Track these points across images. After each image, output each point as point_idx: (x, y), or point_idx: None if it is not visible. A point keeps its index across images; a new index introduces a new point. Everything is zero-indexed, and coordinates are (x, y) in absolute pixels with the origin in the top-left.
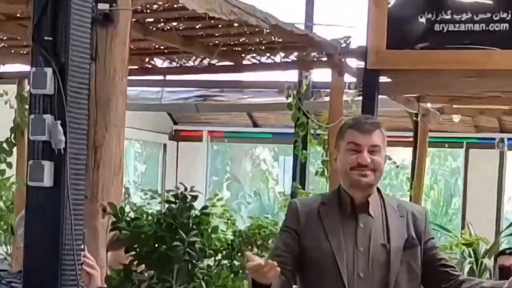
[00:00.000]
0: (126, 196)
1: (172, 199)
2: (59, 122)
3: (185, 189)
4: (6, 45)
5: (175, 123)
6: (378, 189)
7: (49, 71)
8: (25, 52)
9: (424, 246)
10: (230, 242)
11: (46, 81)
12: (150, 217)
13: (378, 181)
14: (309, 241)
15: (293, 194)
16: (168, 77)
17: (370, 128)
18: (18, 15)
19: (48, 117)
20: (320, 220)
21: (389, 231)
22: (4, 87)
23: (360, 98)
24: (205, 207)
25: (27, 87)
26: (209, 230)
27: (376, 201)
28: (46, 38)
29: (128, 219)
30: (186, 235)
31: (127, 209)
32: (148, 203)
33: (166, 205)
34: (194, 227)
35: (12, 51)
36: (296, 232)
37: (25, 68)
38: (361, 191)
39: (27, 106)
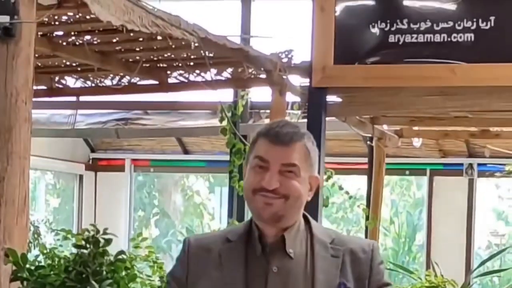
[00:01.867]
0: (36, 236)
1: (83, 243)
2: None
3: (97, 231)
4: None
5: (92, 150)
6: (306, 219)
7: None
8: None
9: None
10: None
11: None
12: (62, 262)
13: (296, 211)
14: None
15: None
16: (82, 98)
17: (285, 138)
18: None
19: None
20: (220, 265)
21: (314, 277)
22: None
23: (305, 120)
24: (120, 252)
25: None
26: (126, 279)
27: (298, 236)
28: None
29: (32, 267)
30: (99, 285)
31: (36, 252)
32: (61, 245)
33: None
34: (109, 275)
35: None
36: (183, 285)
37: None
38: (270, 225)
39: None
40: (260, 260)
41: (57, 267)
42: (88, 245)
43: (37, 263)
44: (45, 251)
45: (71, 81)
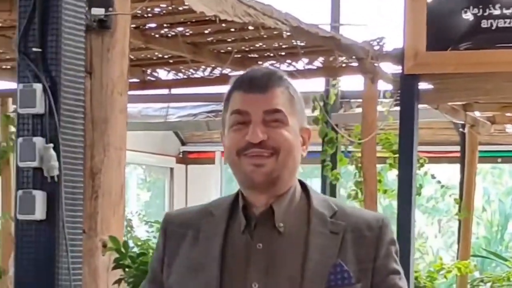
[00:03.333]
0: (129, 229)
1: None
2: (51, 145)
3: None
4: None
5: (183, 143)
6: (304, 187)
7: (38, 87)
8: (9, 67)
9: (374, 286)
10: None
11: (36, 99)
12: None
13: (291, 170)
14: (175, 280)
15: None
16: (174, 91)
17: (262, 82)
18: (0, 24)
19: (38, 140)
20: (196, 242)
21: (306, 256)
22: None
23: (397, 108)
24: None
25: (11, 107)
26: None
27: (291, 207)
28: (34, 49)
29: (133, 254)
30: None
31: (130, 244)
32: (154, 237)
33: None
34: None
35: (3, 66)
36: (162, 267)
37: (10, 85)
38: (260, 191)
39: (13, 129)
40: (243, 236)
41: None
42: None
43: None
44: (139, 243)
45: (163, 74)
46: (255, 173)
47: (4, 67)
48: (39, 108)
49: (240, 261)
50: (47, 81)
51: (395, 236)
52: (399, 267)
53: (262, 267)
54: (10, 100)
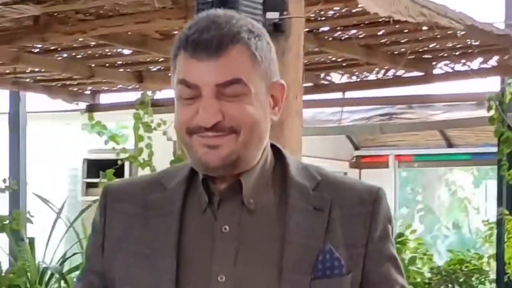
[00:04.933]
0: None
1: None
2: None
3: None
4: (162, 68)
5: (356, 148)
6: (279, 153)
7: None
8: None
9: (365, 278)
10: (427, 280)
11: None
12: None
13: (257, 146)
14: (119, 270)
15: (500, 222)
16: (347, 94)
17: (211, 44)
18: (176, 32)
19: None
20: (146, 225)
21: (285, 238)
22: (161, 116)
23: None
24: (400, 235)
25: None
26: (406, 260)
27: (262, 179)
28: None
29: None
30: None
31: None
32: None
33: None
34: None
35: (169, 74)
36: (102, 253)
37: None
38: (218, 175)
39: None
40: (204, 216)
41: None
42: None
43: None
44: None
45: (336, 77)
46: (208, 156)
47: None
48: None
49: (202, 248)
50: None
51: (390, 211)
52: (394, 250)
53: (229, 256)
54: None
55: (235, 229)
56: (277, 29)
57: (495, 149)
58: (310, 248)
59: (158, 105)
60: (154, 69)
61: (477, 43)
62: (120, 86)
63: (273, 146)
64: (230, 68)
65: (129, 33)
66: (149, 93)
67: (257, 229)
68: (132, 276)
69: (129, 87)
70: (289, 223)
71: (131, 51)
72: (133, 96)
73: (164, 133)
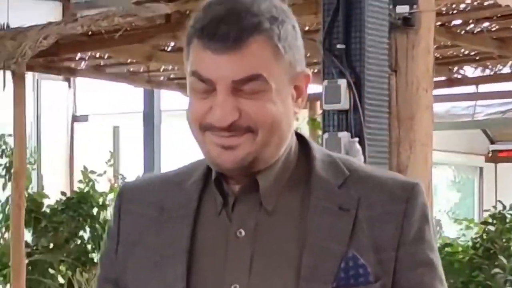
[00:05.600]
0: (438, 229)
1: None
2: (356, 139)
3: (504, 207)
4: None
5: (491, 142)
6: (303, 142)
7: (343, 83)
8: (316, 71)
9: (395, 285)
10: None
11: (340, 95)
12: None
13: (277, 146)
14: (131, 278)
15: None
16: (481, 88)
17: (230, 35)
18: (307, 28)
19: (344, 135)
20: (159, 227)
21: (305, 242)
22: None
23: None
24: None
25: (319, 111)
26: None
27: (283, 175)
28: (338, 46)
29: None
30: (507, 261)
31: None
32: (463, 235)
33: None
34: None
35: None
36: (115, 258)
37: (318, 89)
38: (233, 176)
39: (320, 132)
40: (219, 219)
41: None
42: (494, 221)
43: None
44: (447, 242)
45: (469, 71)
46: (223, 157)
47: (312, 71)
48: (344, 103)
49: (215, 254)
50: (351, 77)
51: (428, 210)
52: (433, 254)
53: (244, 263)
54: (317, 103)
55: (251, 233)
56: (406, 23)
57: None
58: (332, 253)
59: None
60: None
61: None
62: None
63: (298, 136)
64: (249, 63)
65: None
66: None
67: (275, 232)
68: (142, 286)
69: None
70: (310, 225)
71: None
72: None
73: (297, 129)
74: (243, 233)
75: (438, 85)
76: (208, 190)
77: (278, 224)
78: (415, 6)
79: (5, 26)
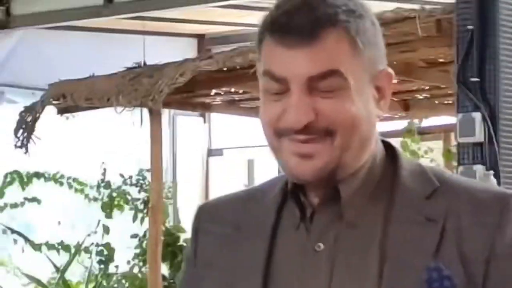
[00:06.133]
0: None
1: None
2: (491, 172)
3: None
4: (428, 96)
5: None
6: (391, 149)
7: (477, 116)
8: (449, 102)
9: None
10: None
11: (475, 128)
12: None
13: (360, 151)
14: None
15: None
16: None
17: (305, 27)
18: (441, 60)
19: (479, 168)
20: (236, 243)
21: (385, 255)
22: (428, 144)
23: None
24: None
25: (454, 142)
26: None
27: (366, 185)
28: (472, 79)
29: None
30: None
31: None
32: None
33: None
34: None
35: (436, 101)
36: (196, 276)
37: (452, 120)
38: (313, 187)
39: (454, 163)
40: (298, 233)
41: None
42: None
43: None
44: None
45: None
46: (301, 167)
47: (446, 102)
48: (479, 136)
49: (293, 273)
50: (485, 110)
51: None
52: None
53: (323, 278)
54: (452, 134)
55: (330, 247)
56: None
57: None
58: (415, 266)
59: (425, 133)
60: (420, 97)
61: None
62: (387, 115)
63: (385, 144)
64: (325, 57)
65: (394, 62)
66: (415, 121)
67: (356, 246)
68: None
69: (396, 116)
70: (393, 237)
71: (396, 80)
72: (400, 124)
73: (431, 161)
74: (321, 246)
75: None
76: (287, 204)
77: (360, 237)
78: None
79: (141, 64)
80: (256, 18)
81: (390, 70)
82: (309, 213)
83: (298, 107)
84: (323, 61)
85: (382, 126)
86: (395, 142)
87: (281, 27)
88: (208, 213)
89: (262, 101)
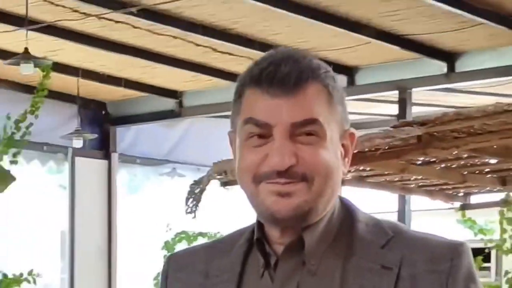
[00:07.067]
0: None
1: None
2: None
3: None
4: None
5: None
6: (346, 206)
7: None
8: None
9: None
10: None
11: None
12: None
13: (329, 198)
14: None
15: None
16: None
17: (289, 80)
18: None
19: None
20: None
21: None
22: None
23: None
24: None
25: None
26: None
27: (326, 236)
28: None
29: None
30: None
31: None
32: None
33: None
34: None
35: None
36: None
37: None
38: (285, 228)
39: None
40: (262, 281)
41: None
42: None
43: None
44: None
45: None
46: (279, 204)
47: None
48: None
49: None
50: None
51: (475, 270)
52: None
53: None
54: None
55: None
56: None
57: None
58: None
59: None
60: None
61: None
62: (487, 189)
63: (341, 200)
64: (307, 106)
65: (494, 146)
66: (511, 194)
67: None
68: None
69: (495, 190)
70: (351, 285)
71: (496, 160)
72: (498, 196)
73: None
74: None
75: None
76: (252, 253)
77: (320, 285)
78: None
79: None
80: None
81: (354, 131)
82: (273, 261)
83: (281, 150)
84: (305, 110)
85: (484, 198)
86: (495, 211)
87: (268, 77)
88: (178, 262)
89: (239, 151)
